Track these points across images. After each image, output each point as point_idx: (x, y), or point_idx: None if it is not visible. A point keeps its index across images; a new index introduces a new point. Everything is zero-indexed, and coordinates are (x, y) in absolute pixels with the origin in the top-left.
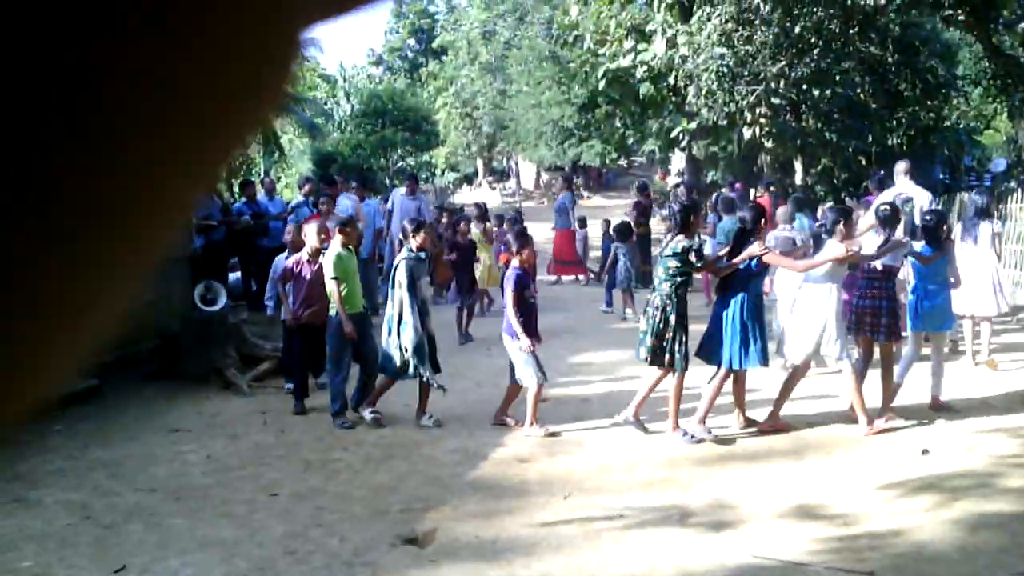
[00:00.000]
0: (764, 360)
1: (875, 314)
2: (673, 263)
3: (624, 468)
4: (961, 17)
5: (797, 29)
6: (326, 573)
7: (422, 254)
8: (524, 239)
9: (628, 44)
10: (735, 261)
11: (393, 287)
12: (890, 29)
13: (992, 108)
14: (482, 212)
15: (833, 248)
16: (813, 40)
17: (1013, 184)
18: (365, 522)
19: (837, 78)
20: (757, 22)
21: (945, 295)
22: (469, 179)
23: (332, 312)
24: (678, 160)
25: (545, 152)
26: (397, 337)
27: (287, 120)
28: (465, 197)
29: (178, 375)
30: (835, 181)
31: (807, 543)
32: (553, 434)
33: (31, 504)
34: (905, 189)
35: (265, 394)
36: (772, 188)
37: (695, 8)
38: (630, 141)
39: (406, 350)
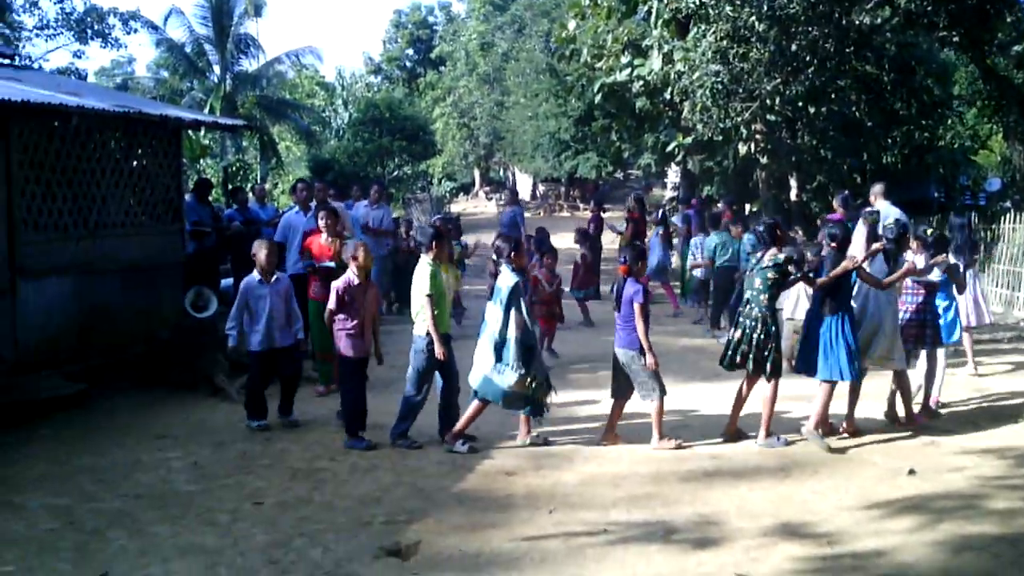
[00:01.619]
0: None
1: (921, 326)
2: (772, 275)
3: (610, 483)
4: (956, 38)
5: (793, 47)
6: None
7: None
8: (636, 254)
9: (625, 59)
10: (834, 274)
11: (506, 310)
12: (886, 48)
13: (987, 128)
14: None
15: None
16: (808, 58)
17: (1008, 204)
18: (348, 533)
19: (832, 96)
20: (753, 39)
21: (954, 308)
22: (466, 189)
23: (421, 332)
24: (673, 174)
25: (541, 163)
26: (500, 362)
27: (285, 126)
28: (463, 206)
29: (167, 381)
30: (830, 198)
31: (790, 562)
32: (681, 447)
33: (15, 508)
34: (880, 208)
35: None
36: (734, 206)
37: (691, 25)
38: (626, 154)
39: (533, 377)
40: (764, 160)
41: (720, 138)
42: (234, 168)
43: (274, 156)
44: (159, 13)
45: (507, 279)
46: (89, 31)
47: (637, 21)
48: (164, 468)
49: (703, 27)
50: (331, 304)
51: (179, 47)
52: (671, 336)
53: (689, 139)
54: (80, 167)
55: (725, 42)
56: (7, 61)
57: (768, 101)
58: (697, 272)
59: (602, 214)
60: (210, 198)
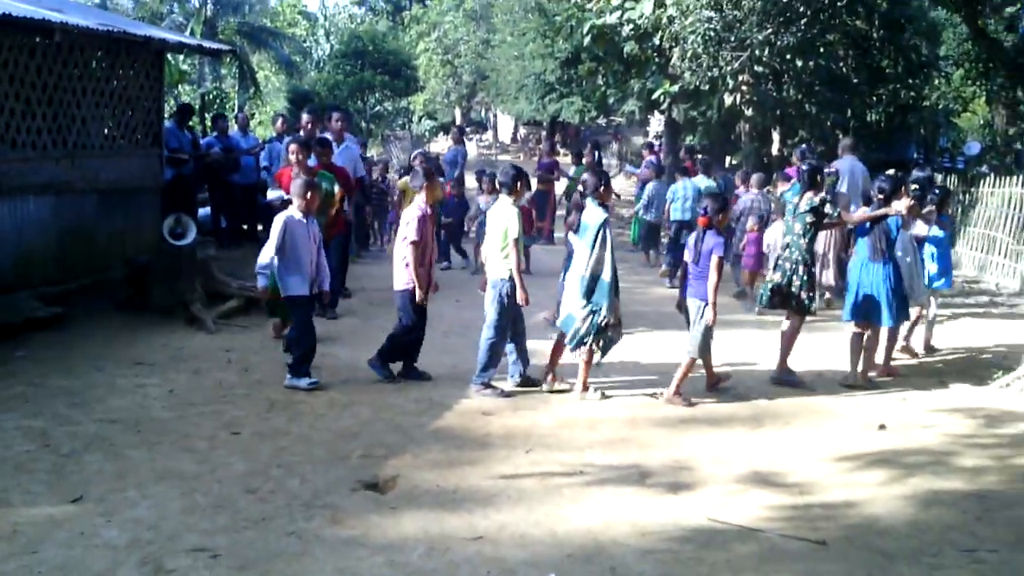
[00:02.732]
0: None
1: None
2: (810, 218)
3: (586, 425)
4: None
5: None
6: (286, 513)
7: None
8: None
9: (616, 1)
10: (873, 214)
11: (598, 247)
12: (877, 4)
13: (971, 91)
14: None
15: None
16: (801, 9)
17: (985, 168)
18: (326, 465)
19: (821, 50)
20: None
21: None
22: (446, 128)
23: (503, 275)
24: (656, 122)
25: (524, 106)
26: (588, 300)
27: (264, 55)
28: (442, 147)
29: (144, 307)
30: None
31: (761, 509)
32: (692, 404)
33: None
34: (845, 163)
35: (231, 332)
36: (697, 155)
37: None
38: (611, 100)
39: (605, 318)
40: (749, 112)
41: (707, 87)
42: (211, 96)
43: (252, 85)
44: None
45: (595, 215)
46: None
47: None
48: (141, 394)
49: None
50: (414, 235)
51: None
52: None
53: (676, 87)
54: (61, 85)
55: None
56: None
57: (757, 52)
58: (649, 217)
59: (556, 158)
60: (190, 124)
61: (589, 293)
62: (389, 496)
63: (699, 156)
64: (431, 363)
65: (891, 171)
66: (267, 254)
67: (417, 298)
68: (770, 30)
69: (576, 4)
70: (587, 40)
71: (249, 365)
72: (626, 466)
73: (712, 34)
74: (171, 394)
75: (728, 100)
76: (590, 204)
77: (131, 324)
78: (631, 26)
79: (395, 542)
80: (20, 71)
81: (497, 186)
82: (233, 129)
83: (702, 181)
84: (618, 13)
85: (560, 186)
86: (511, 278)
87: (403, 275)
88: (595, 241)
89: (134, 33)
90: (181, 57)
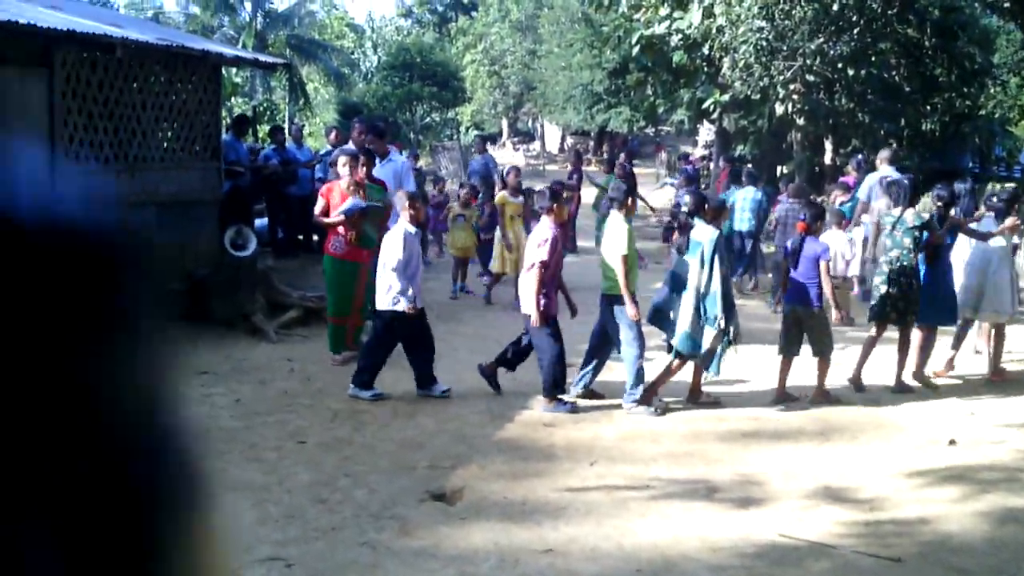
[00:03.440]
0: None
1: None
2: (917, 233)
3: (649, 438)
4: (1007, 3)
5: (836, 6)
6: (355, 523)
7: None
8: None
9: (664, 11)
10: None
11: (708, 264)
12: (929, 12)
13: None
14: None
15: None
16: (853, 18)
17: None
18: (392, 475)
19: (873, 59)
20: None
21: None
22: (493, 139)
23: (614, 292)
24: (705, 132)
25: (572, 116)
26: (703, 317)
27: (313, 68)
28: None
29: (206, 318)
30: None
31: (833, 525)
32: (837, 403)
33: None
34: (886, 174)
35: (292, 342)
36: (734, 164)
37: None
38: (660, 110)
39: (729, 332)
40: (800, 121)
41: (758, 96)
42: (263, 107)
43: (302, 97)
44: None
45: (706, 232)
46: None
47: None
48: (207, 403)
49: None
50: (545, 255)
51: None
52: None
53: (726, 96)
54: (121, 99)
55: None
56: None
57: (809, 61)
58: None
59: (583, 167)
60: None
61: (704, 310)
62: (457, 507)
63: (747, 165)
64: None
65: (955, 182)
66: (395, 275)
67: (534, 322)
68: (822, 39)
69: (623, 15)
70: (635, 50)
71: (311, 375)
72: (693, 480)
73: (764, 44)
74: (237, 403)
75: (780, 109)
76: (699, 222)
77: (193, 336)
78: (680, 36)
79: (465, 553)
80: (83, 86)
81: (609, 201)
82: (288, 141)
83: (748, 192)
84: (666, 23)
85: (589, 194)
86: (620, 296)
87: (532, 299)
88: (707, 258)
89: (192, 47)
90: (234, 70)
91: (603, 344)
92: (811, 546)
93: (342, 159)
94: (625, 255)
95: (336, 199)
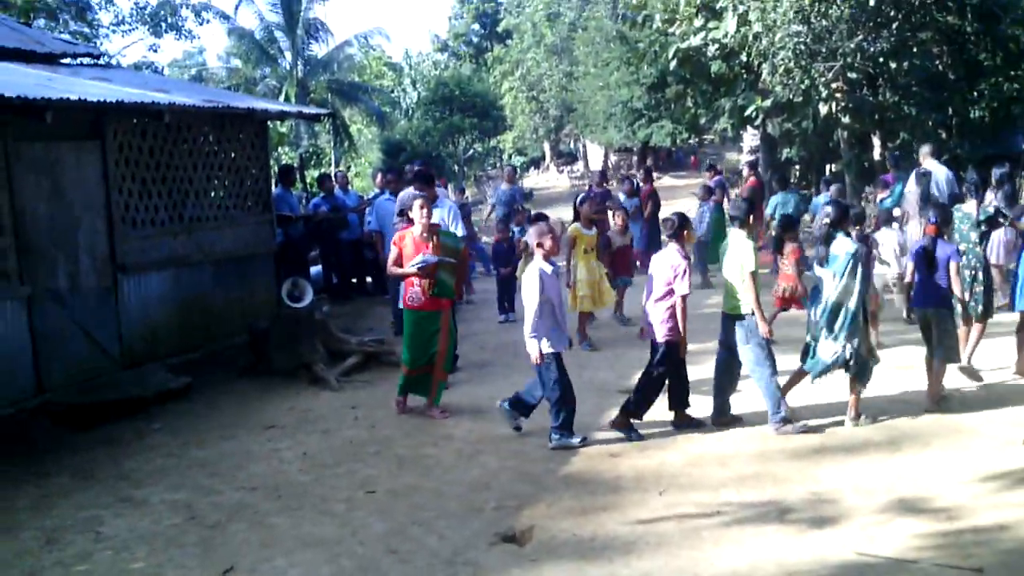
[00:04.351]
0: None
1: None
2: (984, 228)
3: (717, 462)
4: None
5: (873, 2)
6: (428, 572)
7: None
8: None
9: (698, 22)
10: None
11: (847, 277)
12: None
13: None
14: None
15: None
16: (891, 13)
17: None
18: (461, 519)
19: (915, 50)
20: None
21: None
22: (536, 163)
23: (745, 310)
24: (749, 138)
25: (614, 134)
26: (829, 333)
27: (356, 109)
28: (534, 181)
29: (267, 371)
30: (915, 156)
31: (910, 539)
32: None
33: (137, 503)
34: (929, 168)
35: (354, 389)
36: (758, 169)
37: None
38: (701, 120)
39: (858, 348)
40: (846, 119)
41: (800, 99)
42: (308, 153)
43: (347, 140)
44: (230, 2)
45: (845, 245)
46: (163, 24)
47: None
48: (276, 458)
49: None
50: (687, 288)
51: (250, 35)
52: None
53: (768, 102)
54: (172, 163)
55: (806, 0)
56: (94, 61)
57: (850, 59)
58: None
59: (609, 188)
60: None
61: (832, 322)
62: (527, 548)
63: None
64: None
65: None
66: (531, 316)
67: (682, 353)
68: (860, 36)
69: (658, 29)
70: (672, 64)
71: (376, 421)
72: (763, 503)
73: (802, 47)
74: (304, 456)
75: (824, 109)
76: (840, 236)
77: (256, 389)
78: (716, 46)
79: None
80: (134, 153)
81: (729, 220)
82: (335, 188)
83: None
84: (702, 34)
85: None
86: (752, 312)
87: (665, 327)
88: (844, 270)
89: (237, 106)
90: (279, 121)
91: (730, 366)
92: (889, 562)
93: (419, 202)
94: (753, 272)
95: (409, 247)
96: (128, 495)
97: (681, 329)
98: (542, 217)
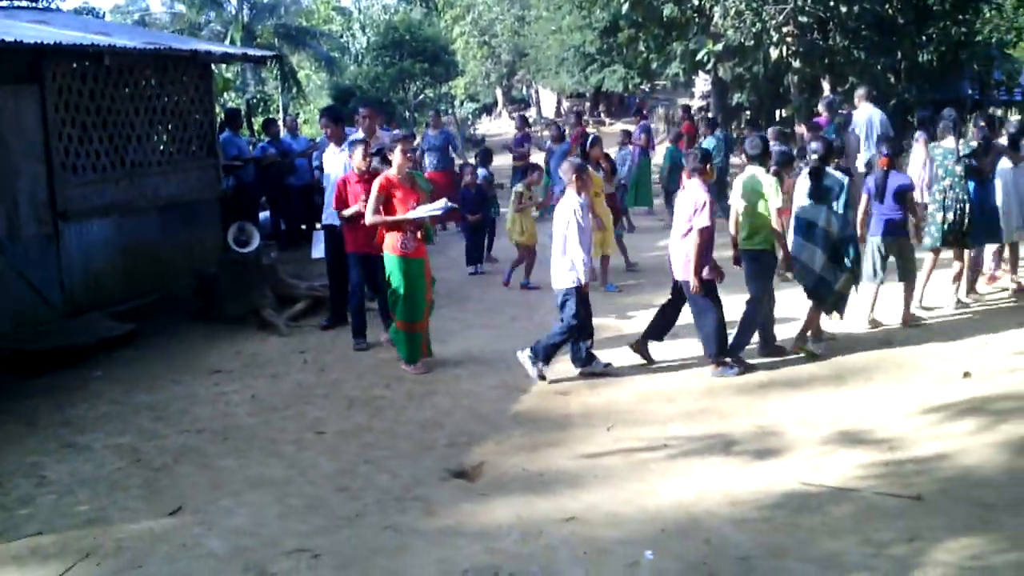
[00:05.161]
0: None
1: None
2: (967, 161)
3: (665, 399)
4: None
5: None
6: (379, 508)
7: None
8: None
9: None
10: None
11: (844, 208)
12: None
13: None
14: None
15: None
16: None
17: None
18: (413, 458)
19: None
20: None
21: None
22: (488, 109)
23: (757, 245)
24: (701, 83)
25: (566, 79)
26: (836, 262)
27: (304, 55)
28: (486, 127)
29: (216, 317)
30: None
31: (852, 469)
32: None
33: (80, 449)
34: (864, 111)
35: (303, 333)
36: (694, 118)
37: None
38: (653, 65)
39: (857, 275)
40: (796, 64)
41: (751, 43)
42: (256, 100)
43: (295, 86)
44: None
45: (836, 177)
46: None
47: None
48: (223, 402)
49: None
50: (707, 220)
51: None
52: None
53: (719, 46)
54: (114, 107)
55: None
56: (32, 4)
57: (800, 2)
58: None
59: (528, 132)
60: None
61: (835, 256)
62: (478, 484)
63: (706, 116)
64: (506, 349)
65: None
66: (579, 248)
67: (705, 277)
68: None
69: None
70: (624, 7)
71: (325, 365)
72: (710, 436)
73: None
74: (253, 399)
75: (774, 53)
76: (829, 170)
77: (204, 335)
78: None
79: (489, 529)
80: (74, 97)
81: (746, 159)
82: (283, 132)
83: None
84: None
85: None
86: (764, 251)
87: (691, 265)
88: (840, 204)
89: (180, 48)
90: (224, 65)
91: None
92: (832, 491)
93: (400, 146)
94: (779, 207)
95: (399, 193)
96: (71, 441)
97: (702, 264)
98: (535, 167)
